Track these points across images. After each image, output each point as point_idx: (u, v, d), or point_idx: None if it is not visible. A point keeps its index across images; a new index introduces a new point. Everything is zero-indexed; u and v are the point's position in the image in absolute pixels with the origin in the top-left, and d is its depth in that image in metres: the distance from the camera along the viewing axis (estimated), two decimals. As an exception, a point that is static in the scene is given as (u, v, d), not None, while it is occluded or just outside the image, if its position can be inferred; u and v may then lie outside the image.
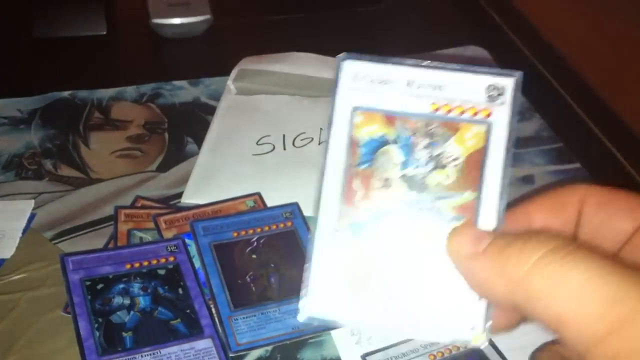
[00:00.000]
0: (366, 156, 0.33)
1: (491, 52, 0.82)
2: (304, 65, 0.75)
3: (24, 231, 0.57)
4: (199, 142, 0.67)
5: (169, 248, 0.55)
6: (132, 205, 0.60)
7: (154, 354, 0.48)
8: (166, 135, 0.69)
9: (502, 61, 0.80)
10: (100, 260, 0.54)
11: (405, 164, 0.33)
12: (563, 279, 0.27)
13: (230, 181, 0.63)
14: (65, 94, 0.73)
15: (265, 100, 0.71)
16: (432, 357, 0.49)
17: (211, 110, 0.71)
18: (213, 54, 0.81)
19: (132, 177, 0.64)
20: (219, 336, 0.50)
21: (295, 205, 0.60)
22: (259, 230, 0.58)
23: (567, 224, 0.34)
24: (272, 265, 0.55)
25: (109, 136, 0.68)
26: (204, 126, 0.69)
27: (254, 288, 0.54)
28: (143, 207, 0.60)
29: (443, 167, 0.33)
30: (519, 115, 0.71)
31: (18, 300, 0.52)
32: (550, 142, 0.69)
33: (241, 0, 0.92)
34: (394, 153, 0.33)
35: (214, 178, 0.63)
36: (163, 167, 0.65)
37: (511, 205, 0.34)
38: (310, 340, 0.51)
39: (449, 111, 0.33)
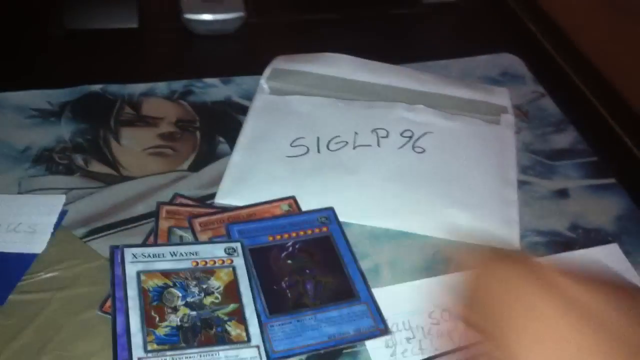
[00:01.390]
0: (155, 297, 0.50)
1: (525, 60, 0.81)
2: (338, 66, 0.74)
3: (55, 227, 0.57)
4: (231, 141, 0.67)
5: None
6: (173, 202, 0.60)
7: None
8: (198, 134, 0.68)
9: (536, 70, 0.79)
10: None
11: (184, 297, 0.51)
12: None
13: (264, 182, 0.62)
14: (96, 87, 0.72)
15: (299, 101, 0.71)
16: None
17: (243, 110, 0.70)
18: (245, 52, 0.80)
19: (164, 175, 0.63)
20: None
21: (331, 210, 0.59)
22: (294, 234, 0.57)
23: None
24: (308, 271, 0.55)
25: (140, 133, 0.68)
26: (236, 126, 0.68)
27: (290, 294, 0.53)
28: (182, 204, 0.59)
29: (211, 293, 0.51)
30: (554, 127, 0.71)
31: (49, 299, 0.52)
32: (585, 155, 0.69)
33: (275, -2, 0.91)
34: (174, 291, 0.51)
35: (248, 179, 0.62)
36: (195, 167, 0.64)
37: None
38: (346, 351, 0.50)
39: (205, 264, 0.53)
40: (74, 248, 0.56)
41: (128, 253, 0.53)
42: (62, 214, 0.58)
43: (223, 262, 0.54)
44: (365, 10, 0.89)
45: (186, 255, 0.54)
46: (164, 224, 0.57)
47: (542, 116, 0.73)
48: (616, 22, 0.79)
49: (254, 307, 0.51)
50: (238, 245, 0.55)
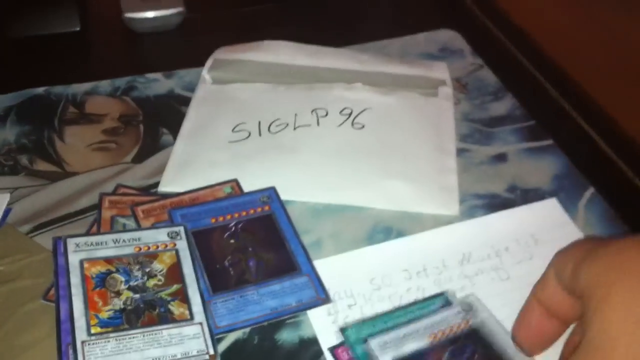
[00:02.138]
0: (98, 283, 0.51)
1: (464, 35, 0.82)
2: (277, 53, 0.75)
3: (0, 225, 0.58)
4: (174, 132, 0.68)
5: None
6: (116, 193, 0.61)
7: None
8: (141, 127, 0.69)
9: (474, 44, 0.81)
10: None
11: (127, 281, 0.52)
12: None
13: (207, 168, 0.63)
14: (40, 90, 0.73)
15: (240, 88, 0.72)
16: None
17: (186, 102, 0.71)
18: (187, 47, 0.81)
19: (108, 169, 0.64)
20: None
21: (272, 189, 0.60)
22: (236, 215, 0.58)
23: None
24: (250, 249, 0.56)
25: (84, 130, 0.68)
26: (179, 117, 0.69)
27: (232, 272, 0.54)
28: (125, 194, 0.60)
29: (154, 276, 0.52)
30: (492, 95, 0.72)
31: (-5, 293, 0.52)
32: (523, 120, 0.70)
33: (214, -7, 0.92)
34: (117, 277, 0.52)
35: (191, 166, 0.63)
36: (138, 159, 0.65)
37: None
38: (288, 321, 0.51)
39: (148, 249, 0.54)
40: (18, 243, 0.56)
41: (70, 243, 0.54)
42: (7, 212, 0.59)
43: (166, 245, 0.55)
44: (303, -1, 0.90)
45: (129, 241, 0.55)
46: (106, 214, 0.58)
47: (480, 86, 0.74)
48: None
49: (197, 287, 0.52)
50: (181, 229, 0.56)
